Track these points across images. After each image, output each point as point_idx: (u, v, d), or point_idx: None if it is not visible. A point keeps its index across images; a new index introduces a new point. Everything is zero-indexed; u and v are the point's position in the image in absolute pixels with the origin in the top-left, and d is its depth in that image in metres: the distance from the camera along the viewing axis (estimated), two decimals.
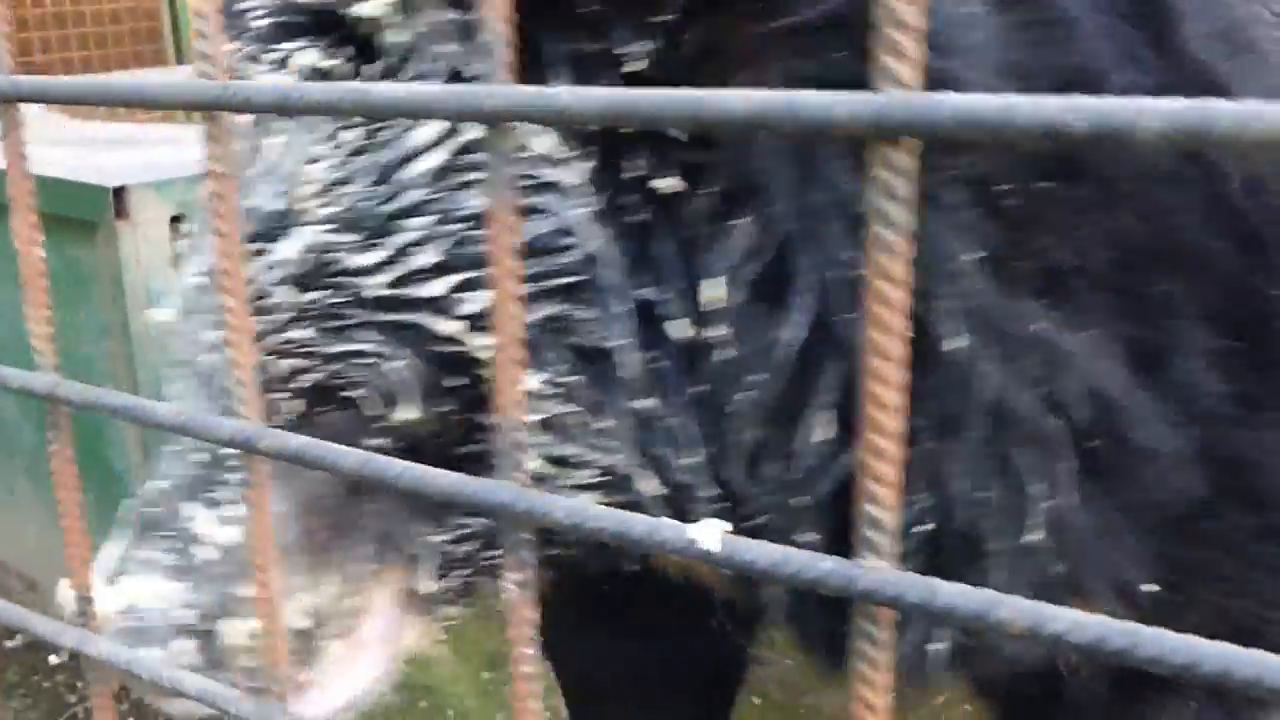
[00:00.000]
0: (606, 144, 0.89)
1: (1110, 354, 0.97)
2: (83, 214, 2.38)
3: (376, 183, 0.92)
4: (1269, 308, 1.04)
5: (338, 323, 0.91)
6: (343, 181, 0.92)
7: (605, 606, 1.20)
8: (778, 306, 0.90)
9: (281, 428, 0.91)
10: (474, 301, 0.89)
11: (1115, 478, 1.01)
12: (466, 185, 0.91)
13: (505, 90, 0.35)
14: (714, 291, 0.89)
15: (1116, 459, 1.00)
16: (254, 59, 0.99)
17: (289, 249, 0.92)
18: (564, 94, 0.33)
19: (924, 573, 0.85)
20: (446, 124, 0.91)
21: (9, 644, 3.07)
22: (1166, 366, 1.02)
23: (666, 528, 0.35)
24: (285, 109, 0.39)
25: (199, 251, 1.01)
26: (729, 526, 0.34)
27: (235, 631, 0.93)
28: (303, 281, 0.90)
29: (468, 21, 0.90)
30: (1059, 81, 0.98)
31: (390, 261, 0.90)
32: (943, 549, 0.94)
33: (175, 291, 1.00)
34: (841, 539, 0.93)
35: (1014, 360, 0.91)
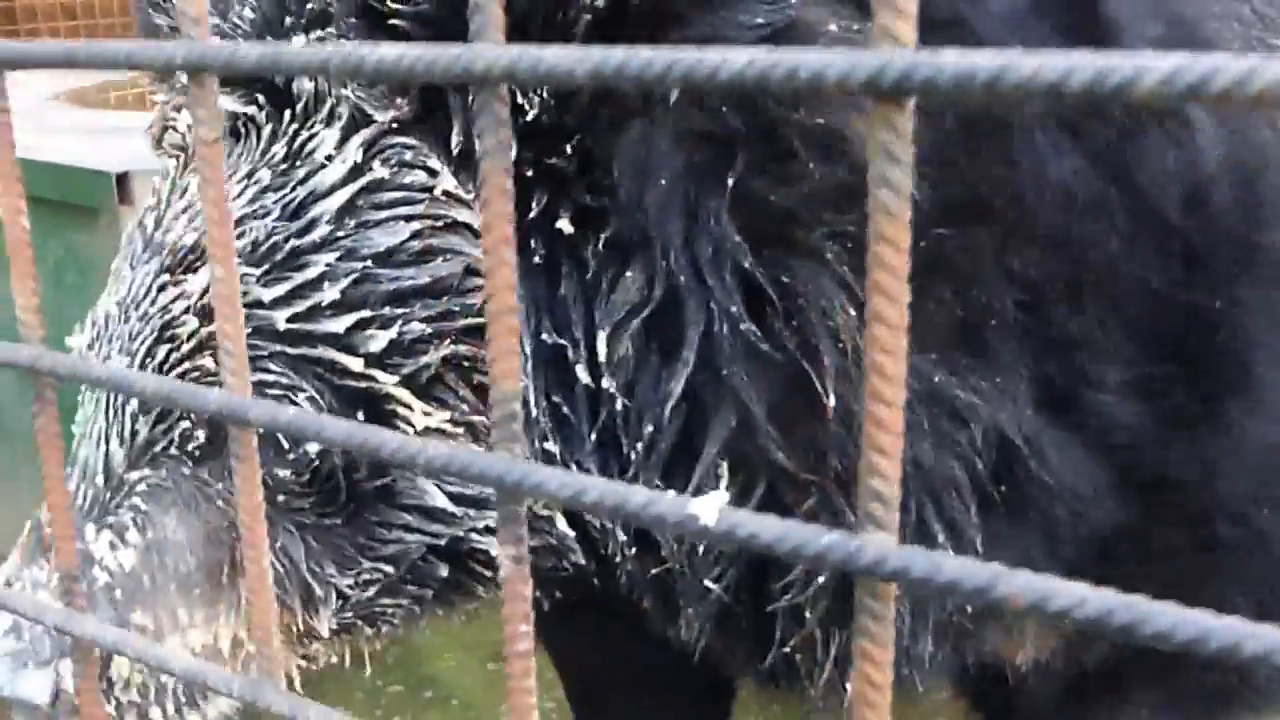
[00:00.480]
0: (516, 181, 0.89)
1: (1017, 397, 1.00)
2: (86, 200, 2.39)
3: (285, 218, 0.95)
4: (1205, 321, 1.05)
5: (250, 353, 0.92)
6: (253, 215, 0.94)
7: (604, 609, 1.19)
8: (669, 357, 0.92)
9: (189, 456, 0.94)
10: (379, 339, 0.92)
11: (1026, 516, 1.04)
12: (372, 224, 0.94)
13: (496, 50, 0.34)
14: (605, 345, 0.92)
15: (1026, 498, 1.02)
16: (180, 109, 1.05)
17: (198, 281, 0.95)
18: (552, 54, 0.33)
19: (827, 621, 0.85)
20: (356, 161, 0.94)
21: None
22: (1079, 401, 1.04)
23: (664, 501, 0.35)
24: (274, 69, 0.39)
25: (118, 279, 1.03)
26: (727, 498, 0.34)
27: (125, 668, 0.93)
28: (209, 313, 0.92)
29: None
30: None
31: (295, 295, 0.93)
32: (844, 603, 0.96)
33: (89, 318, 1.03)
34: (744, 587, 1.00)
35: (912, 412, 0.92)
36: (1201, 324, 1.05)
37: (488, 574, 1.04)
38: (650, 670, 1.59)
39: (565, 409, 0.95)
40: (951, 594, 0.29)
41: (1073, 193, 1.01)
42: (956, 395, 0.96)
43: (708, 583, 0.99)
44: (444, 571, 1.02)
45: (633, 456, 0.94)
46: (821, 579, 0.96)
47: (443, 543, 1.00)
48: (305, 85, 0.97)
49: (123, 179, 2.29)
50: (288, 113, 0.98)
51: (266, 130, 0.99)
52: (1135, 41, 1.05)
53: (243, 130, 1.00)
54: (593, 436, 0.95)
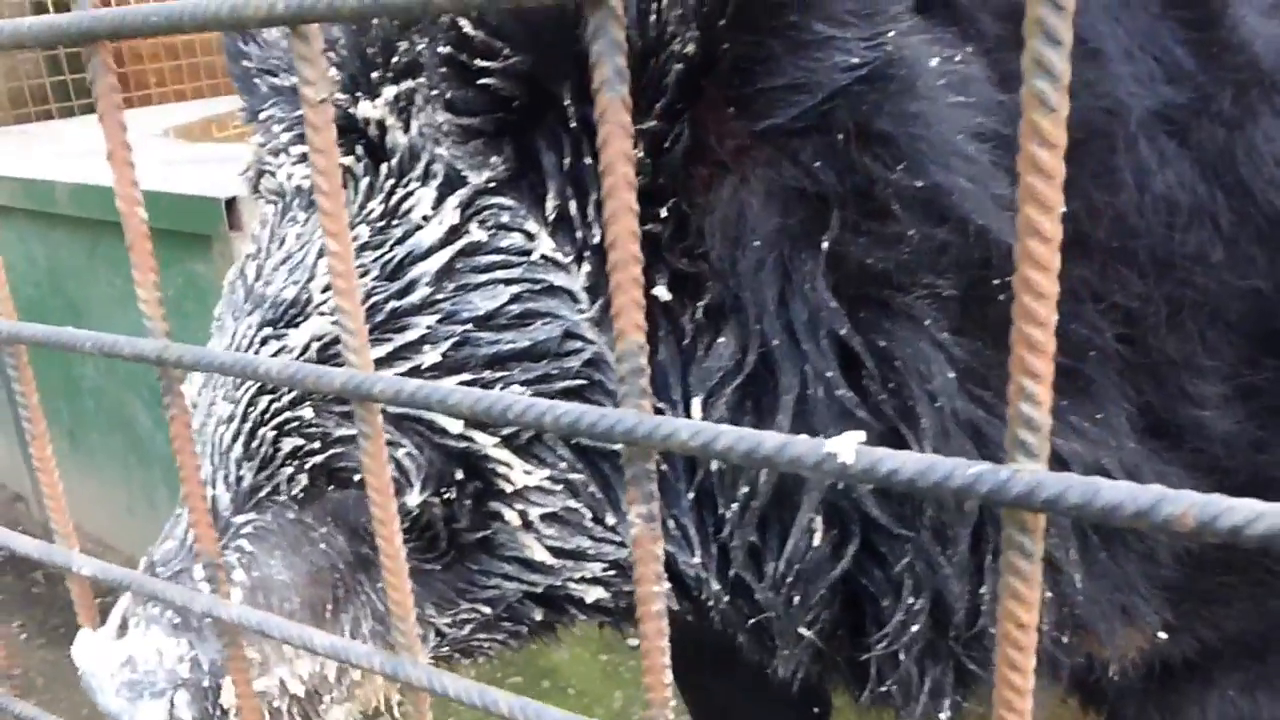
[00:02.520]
0: (601, 250, 0.95)
1: (1118, 430, 1.03)
2: (197, 227, 2.56)
3: (384, 278, 0.99)
4: None
5: (343, 408, 0.99)
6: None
7: (723, 653, 1.28)
8: (763, 421, 0.96)
9: (292, 500, 1.01)
10: None
11: (1127, 547, 1.08)
12: (470, 287, 0.98)
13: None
14: (700, 411, 0.97)
15: (1124, 532, 1.06)
16: (277, 153, 1.11)
17: (299, 336, 1.00)
18: None
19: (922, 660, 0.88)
20: (454, 223, 0.98)
21: None
22: (1178, 422, 1.08)
23: (799, 444, 0.36)
24: (376, 11, 0.41)
25: (221, 330, 1.09)
26: (863, 436, 0.35)
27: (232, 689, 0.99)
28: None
29: (463, 125, 0.97)
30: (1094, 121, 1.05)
31: (397, 357, 0.98)
32: (937, 642, 1.03)
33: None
34: (839, 633, 1.06)
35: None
36: None
37: (581, 616, 1.10)
38: (762, 705, 1.81)
39: (665, 467, 0.99)
40: (1112, 519, 0.30)
41: (1176, 203, 1.04)
42: (1057, 444, 0.98)
43: (802, 630, 1.03)
44: (539, 615, 1.09)
45: (727, 515, 0.99)
46: (916, 627, 1.01)
47: (539, 590, 1.06)
48: (400, 140, 1.01)
49: (231, 204, 2.46)
50: (384, 167, 1.02)
51: (364, 184, 1.04)
52: (1244, 21, 1.09)
53: (342, 183, 1.05)
54: (690, 495, 0.99)
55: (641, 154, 0.94)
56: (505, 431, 0.98)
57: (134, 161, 0.59)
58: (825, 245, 0.93)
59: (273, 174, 1.13)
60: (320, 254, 1.02)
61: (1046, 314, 0.30)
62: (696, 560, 1.01)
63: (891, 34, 0.90)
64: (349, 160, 1.03)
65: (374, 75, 1.02)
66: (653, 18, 0.88)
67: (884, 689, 1.07)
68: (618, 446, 0.92)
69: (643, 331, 0.40)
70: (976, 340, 0.97)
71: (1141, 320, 1.04)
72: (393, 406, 0.57)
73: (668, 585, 1.05)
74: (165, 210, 2.68)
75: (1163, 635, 1.18)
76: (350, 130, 1.02)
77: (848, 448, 0.35)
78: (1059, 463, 1.00)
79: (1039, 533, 0.33)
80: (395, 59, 1.01)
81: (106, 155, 0.60)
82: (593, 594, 1.06)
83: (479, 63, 0.94)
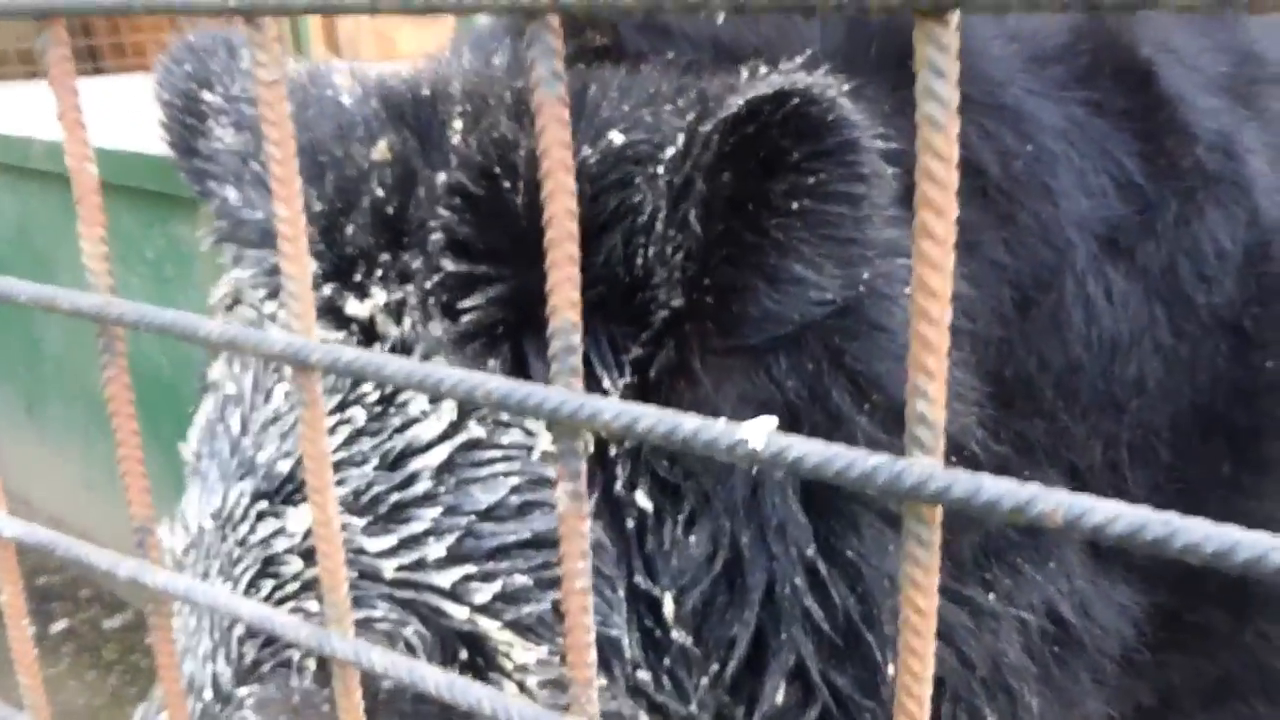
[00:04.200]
0: (599, 448, 1.04)
1: (1070, 569, 1.18)
2: (183, 190, 2.58)
3: (385, 468, 1.04)
4: (1249, 389, 1.28)
5: (351, 594, 1.02)
6: (350, 461, 1.04)
7: None
8: (733, 614, 1.06)
9: (291, 673, 1.06)
10: (484, 592, 1.03)
11: (1077, 667, 1.23)
12: (471, 480, 1.04)
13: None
14: (672, 603, 1.06)
15: (1075, 655, 1.22)
16: (260, 303, 1.14)
17: (298, 522, 1.05)
18: None
19: None
20: (453, 418, 1.04)
21: (107, 624, 3.35)
22: (1191, 483, 1.25)
23: (714, 427, 0.40)
24: (328, 9, 0.45)
25: (204, 481, 1.12)
26: (775, 423, 0.39)
27: None
28: (312, 555, 1.03)
29: (460, 332, 1.04)
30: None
31: (401, 548, 1.03)
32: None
33: (179, 519, 1.13)
34: None
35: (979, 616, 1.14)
36: (1245, 393, 1.27)
37: None
38: None
39: (655, 635, 1.08)
40: (991, 514, 0.33)
41: (1119, 335, 1.21)
42: (1009, 588, 1.15)
43: None
44: None
45: (702, 682, 1.09)
46: None
47: None
48: (391, 331, 1.06)
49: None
50: (377, 347, 1.07)
51: None
52: (1191, 112, 1.25)
53: None
54: (666, 661, 1.09)
55: (628, 378, 1.03)
56: (509, 616, 1.05)
57: (85, 123, 0.62)
58: None
59: (248, 304, 1.17)
60: None
61: (939, 313, 0.34)
62: (683, 713, 1.10)
63: (866, 275, 0.99)
64: (338, 335, 1.07)
65: (358, 277, 1.07)
66: (639, 260, 0.97)
67: None
68: (613, 629, 1.06)
69: (576, 309, 0.43)
70: (952, 550, 1.08)
71: (1083, 465, 1.21)
72: (332, 374, 0.60)
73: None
74: (152, 172, 2.69)
75: None
76: (336, 317, 1.07)
77: (759, 435, 0.38)
78: (1018, 600, 1.14)
79: (935, 523, 0.36)
80: (381, 269, 1.06)
81: (58, 117, 0.63)
82: None
83: (463, 300, 1.03)
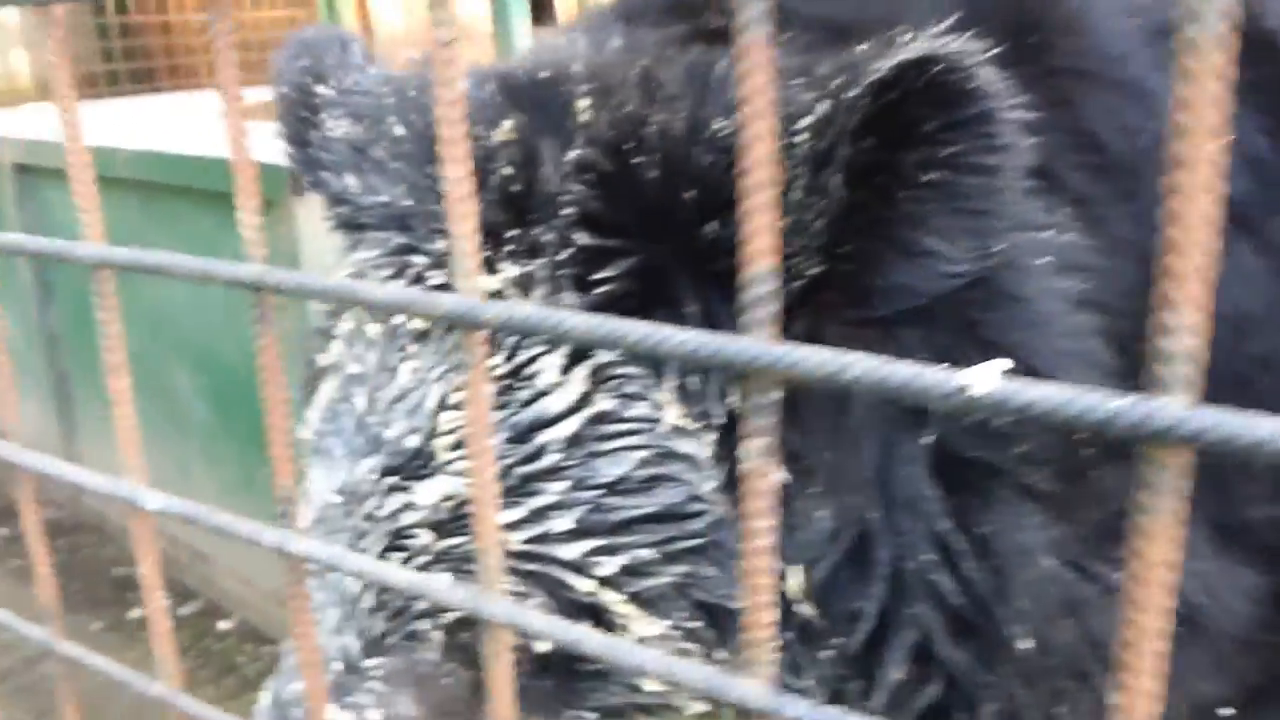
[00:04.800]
0: (730, 419, 1.04)
1: (1198, 553, 1.15)
2: (264, 193, 2.65)
3: (513, 440, 1.05)
4: None
5: (476, 567, 1.02)
6: None
7: None
8: (859, 590, 1.06)
9: (416, 646, 1.08)
10: (609, 565, 1.04)
11: (1198, 647, 1.20)
12: (599, 454, 1.04)
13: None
14: (801, 577, 1.06)
15: (1197, 636, 1.19)
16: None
17: (428, 494, 1.06)
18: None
19: None
20: (583, 390, 1.05)
21: (181, 611, 3.43)
22: (1235, 523, 1.20)
23: (930, 374, 0.38)
24: None
25: (329, 458, 1.13)
26: (1006, 365, 0.37)
27: None
28: (441, 527, 1.05)
29: (590, 305, 1.04)
30: None
31: (529, 521, 1.04)
32: None
33: (304, 492, 1.15)
34: None
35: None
36: None
37: (677, 715, 1.21)
38: None
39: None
40: (1257, 455, 0.32)
41: (1248, 313, 1.20)
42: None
43: None
44: (636, 718, 1.18)
45: (822, 657, 1.09)
46: None
47: (641, 700, 1.15)
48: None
49: (295, 171, 2.55)
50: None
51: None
52: None
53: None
54: (788, 635, 1.09)
55: None
56: (632, 590, 1.05)
57: (243, 110, 0.62)
58: (930, 440, 1.02)
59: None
60: (440, 406, 1.07)
61: (1203, 239, 0.32)
62: (799, 687, 1.11)
63: (999, 247, 0.98)
64: None
65: (485, 252, 1.08)
66: None
67: None
68: (733, 601, 1.05)
69: (773, 256, 0.43)
70: (1081, 526, 1.07)
71: None
72: (503, 333, 0.60)
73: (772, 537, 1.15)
74: (228, 177, 2.76)
75: (1225, 711, 1.32)
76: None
77: (984, 380, 0.37)
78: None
79: (1183, 468, 0.35)
80: (509, 244, 1.07)
81: (221, 113, 0.64)
82: (694, 707, 1.16)
83: (594, 273, 1.03)
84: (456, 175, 0.53)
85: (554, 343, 1.05)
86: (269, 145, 3.09)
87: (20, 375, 3.85)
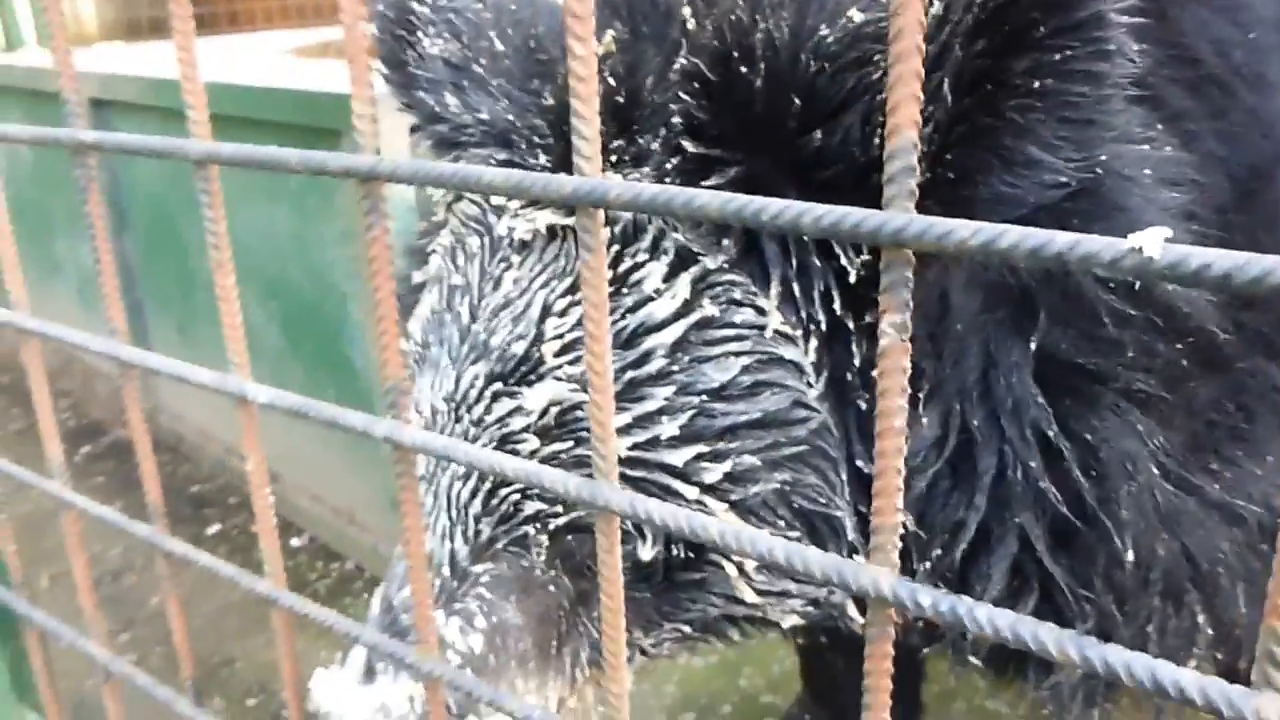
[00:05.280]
0: (832, 327, 1.03)
1: (1273, 471, 1.12)
2: (327, 123, 2.67)
3: (618, 346, 1.05)
4: None
5: (583, 471, 1.04)
6: (584, 342, 1.03)
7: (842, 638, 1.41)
8: (960, 497, 1.05)
9: (522, 553, 1.09)
10: (714, 471, 1.04)
11: None
12: (704, 359, 1.04)
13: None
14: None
15: None
16: (500, 211, 1.15)
17: (535, 400, 1.06)
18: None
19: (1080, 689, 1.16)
20: (686, 298, 1.05)
21: (254, 528, 3.54)
22: None
23: (1095, 242, 0.37)
24: None
25: (434, 367, 1.14)
26: (1170, 233, 0.36)
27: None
28: (549, 433, 1.06)
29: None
30: None
31: (635, 426, 1.04)
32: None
33: (413, 401, 1.16)
34: (1002, 668, 1.17)
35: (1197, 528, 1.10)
36: None
37: (771, 632, 1.22)
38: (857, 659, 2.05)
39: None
40: None
41: None
42: (1229, 482, 1.11)
43: (971, 659, 1.16)
44: (734, 634, 1.20)
45: (921, 568, 1.10)
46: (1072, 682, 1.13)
47: (740, 615, 1.16)
48: (623, 214, 1.06)
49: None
50: (606, 231, 1.07)
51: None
52: None
53: (562, 235, 1.11)
54: None
55: (865, 254, 1.02)
56: (735, 497, 1.06)
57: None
58: (1033, 344, 1.01)
59: (470, 199, 1.18)
60: (545, 313, 1.07)
61: None
62: None
63: (1104, 157, 0.96)
64: (570, 220, 1.08)
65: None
66: (876, 140, 0.96)
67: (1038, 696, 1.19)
68: (835, 509, 1.06)
69: (917, 127, 0.42)
70: (1184, 432, 1.05)
71: None
72: (627, 212, 0.60)
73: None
74: (295, 106, 2.77)
75: None
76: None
77: (1153, 242, 0.36)
78: (1232, 496, 1.11)
79: None
80: (614, 155, 1.07)
81: (345, 27, 0.64)
82: (789, 621, 1.17)
83: (700, 181, 1.02)
84: (581, 53, 0.53)
85: (659, 247, 1.05)
86: (333, 78, 3.11)
87: (95, 304, 3.94)
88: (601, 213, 0.53)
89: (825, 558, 0.49)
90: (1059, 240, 0.38)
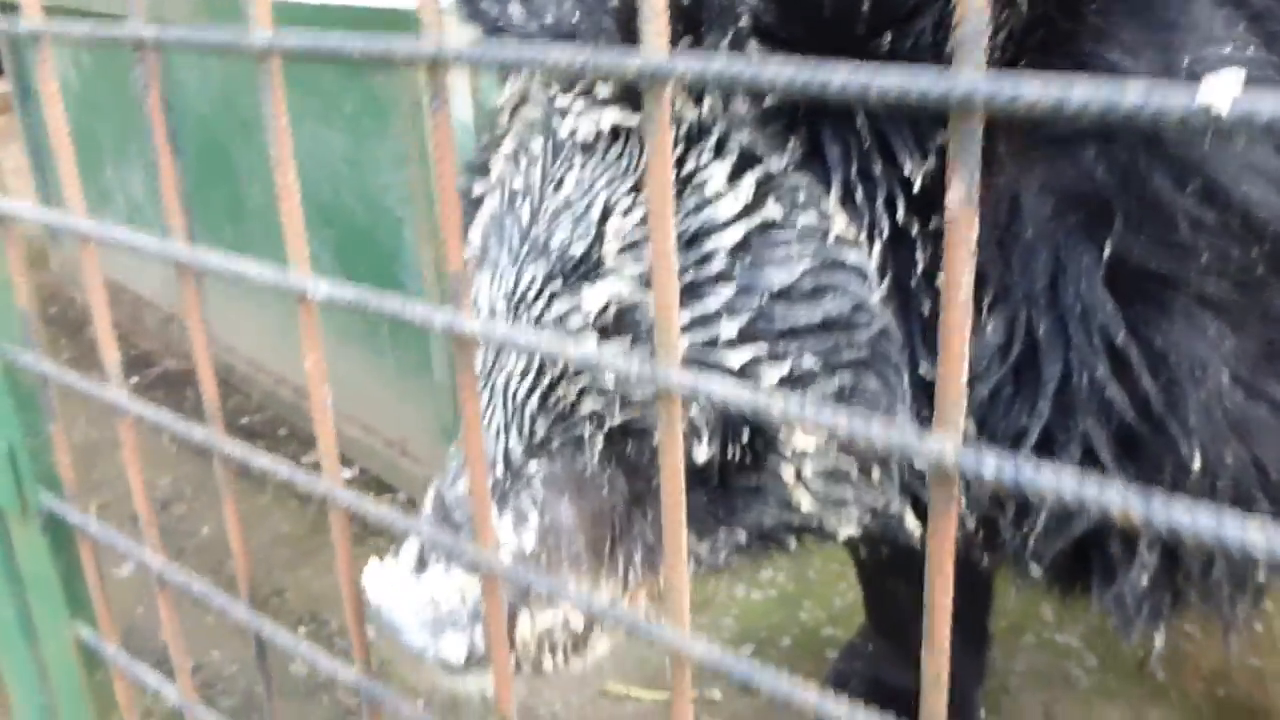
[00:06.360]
0: (895, 233, 1.04)
1: None
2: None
3: (681, 247, 1.06)
4: None
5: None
6: (647, 241, 1.07)
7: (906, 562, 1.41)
8: (1023, 402, 1.06)
9: (577, 452, 1.11)
10: (773, 374, 1.06)
11: None
12: (766, 261, 1.06)
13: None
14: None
15: None
16: (564, 113, 1.16)
17: (595, 298, 1.09)
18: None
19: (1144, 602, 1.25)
20: (750, 199, 1.06)
21: (304, 459, 3.62)
22: None
23: (1163, 92, 0.38)
24: None
25: (495, 268, 1.16)
26: (1240, 80, 0.37)
27: (529, 624, 1.14)
28: (607, 329, 1.08)
29: (762, 111, 1.05)
30: None
31: (696, 325, 1.06)
32: (1162, 581, 1.18)
33: (473, 300, 1.19)
34: (1064, 580, 1.20)
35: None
36: None
37: (824, 544, 1.25)
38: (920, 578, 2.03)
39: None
40: None
41: None
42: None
43: (1034, 567, 1.18)
44: (791, 542, 1.23)
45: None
46: (1146, 578, 1.15)
47: (795, 523, 1.18)
48: (687, 114, 1.08)
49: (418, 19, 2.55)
50: (671, 129, 1.07)
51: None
52: None
53: (625, 137, 1.12)
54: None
55: (931, 163, 1.03)
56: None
57: None
58: (1107, 249, 1.02)
59: (534, 102, 1.20)
60: (606, 213, 1.09)
61: None
62: (962, 509, 1.14)
63: (1186, 61, 0.96)
64: (634, 122, 1.10)
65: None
66: (949, 45, 0.96)
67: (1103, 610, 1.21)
68: (895, 412, 1.06)
69: (987, 22, 0.42)
70: (1255, 340, 1.06)
71: None
72: (696, 86, 0.62)
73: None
74: (350, 25, 2.79)
75: None
76: (638, 101, 1.09)
77: (1223, 95, 0.37)
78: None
79: None
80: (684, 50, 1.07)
81: None
82: (845, 530, 1.19)
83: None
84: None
85: (723, 148, 1.06)
86: None
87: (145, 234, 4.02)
88: (668, 91, 0.55)
89: (889, 428, 0.51)
90: (1131, 94, 0.39)
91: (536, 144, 1.19)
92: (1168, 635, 1.23)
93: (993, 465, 0.48)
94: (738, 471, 1.14)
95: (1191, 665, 2.16)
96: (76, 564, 1.51)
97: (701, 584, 2.70)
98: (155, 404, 1.10)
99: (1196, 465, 1.05)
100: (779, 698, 0.61)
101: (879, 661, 2.19)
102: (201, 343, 1.05)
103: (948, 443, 0.48)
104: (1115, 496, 0.45)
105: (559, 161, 1.15)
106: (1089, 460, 1.06)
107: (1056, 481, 0.47)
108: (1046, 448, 1.07)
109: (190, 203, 4.08)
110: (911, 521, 1.18)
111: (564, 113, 1.15)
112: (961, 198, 0.46)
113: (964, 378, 0.49)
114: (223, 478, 1.14)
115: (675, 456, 0.63)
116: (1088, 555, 1.15)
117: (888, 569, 1.95)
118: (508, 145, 1.24)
